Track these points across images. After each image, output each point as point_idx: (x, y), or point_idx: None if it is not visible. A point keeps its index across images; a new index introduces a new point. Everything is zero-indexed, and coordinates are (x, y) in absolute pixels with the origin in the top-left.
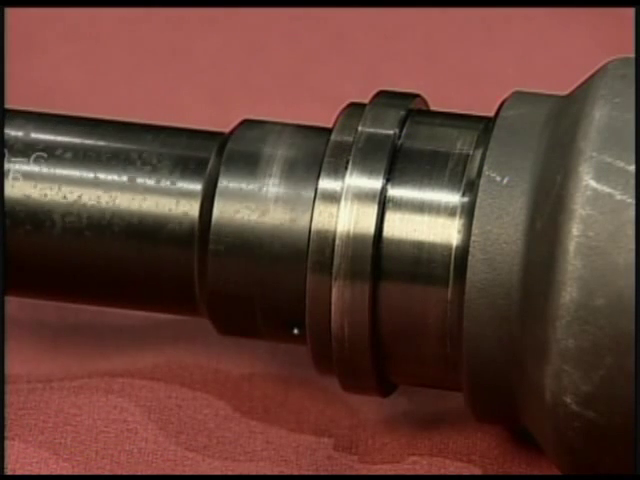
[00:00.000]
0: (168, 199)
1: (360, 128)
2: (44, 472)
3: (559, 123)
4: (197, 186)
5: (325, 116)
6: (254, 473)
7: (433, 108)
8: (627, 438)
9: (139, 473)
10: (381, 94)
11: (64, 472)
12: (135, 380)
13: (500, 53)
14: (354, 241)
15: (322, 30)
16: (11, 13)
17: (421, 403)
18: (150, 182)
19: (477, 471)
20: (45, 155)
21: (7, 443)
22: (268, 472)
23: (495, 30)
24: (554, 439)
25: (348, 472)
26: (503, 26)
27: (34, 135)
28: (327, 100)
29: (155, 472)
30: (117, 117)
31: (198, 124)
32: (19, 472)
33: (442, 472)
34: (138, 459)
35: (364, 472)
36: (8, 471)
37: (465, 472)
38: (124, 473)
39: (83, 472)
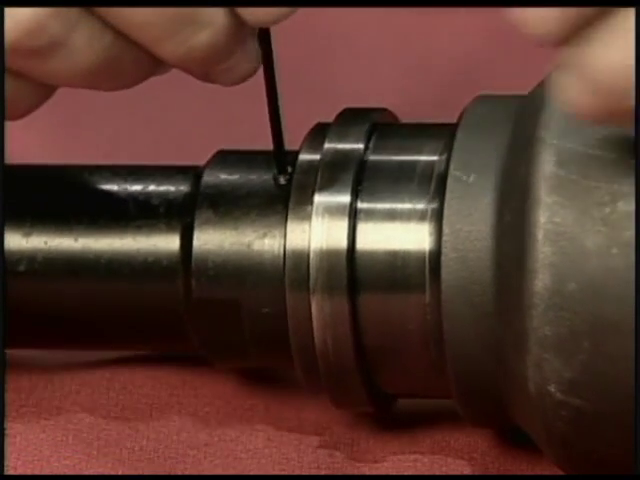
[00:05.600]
0: (147, 234)
1: (326, 145)
2: (46, 470)
3: (521, 119)
4: (176, 219)
5: (323, 115)
6: (256, 471)
7: (434, 111)
8: (616, 423)
9: (140, 471)
10: (346, 111)
11: (66, 470)
12: (137, 377)
13: (503, 51)
14: (328, 255)
15: (320, 29)
16: None
17: (422, 401)
18: (129, 219)
19: (478, 469)
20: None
21: (8, 441)
22: (270, 470)
23: (498, 28)
24: (544, 432)
25: (350, 470)
26: (506, 24)
27: None
28: (325, 99)
29: (157, 470)
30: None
31: (197, 121)
32: (20, 470)
33: (443, 470)
34: (140, 457)
35: (366, 470)
36: (9, 469)
37: (466, 470)
38: (126, 471)
39: (85, 470)
